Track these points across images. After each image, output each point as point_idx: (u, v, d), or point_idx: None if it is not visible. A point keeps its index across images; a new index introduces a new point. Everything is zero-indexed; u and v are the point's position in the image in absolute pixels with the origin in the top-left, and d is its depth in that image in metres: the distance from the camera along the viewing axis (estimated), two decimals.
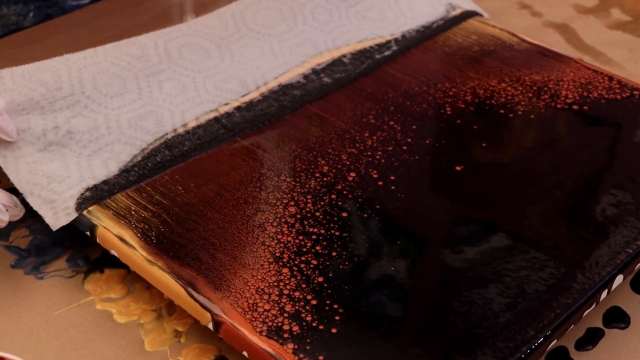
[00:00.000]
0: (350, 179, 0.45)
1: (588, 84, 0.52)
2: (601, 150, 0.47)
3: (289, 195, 0.43)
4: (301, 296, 0.38)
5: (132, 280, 0.42)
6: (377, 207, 0.43)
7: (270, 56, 0.52)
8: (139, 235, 0.41)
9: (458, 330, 0.37)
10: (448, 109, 0.50)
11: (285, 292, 0.38)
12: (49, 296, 0.41)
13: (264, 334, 0.36)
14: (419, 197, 0.44)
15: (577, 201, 0.44)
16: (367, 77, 0.52)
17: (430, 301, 0.39)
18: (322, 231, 0.41)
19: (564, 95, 0.51)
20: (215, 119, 0.48)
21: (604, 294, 0.39)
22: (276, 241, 0.41)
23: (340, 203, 0.43)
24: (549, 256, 0.40)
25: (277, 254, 0.40)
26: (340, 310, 0.37)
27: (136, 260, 0.40)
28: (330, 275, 0.39)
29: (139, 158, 0.45)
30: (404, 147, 0.47)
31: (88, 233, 0.42)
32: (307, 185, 0.44)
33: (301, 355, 0.35)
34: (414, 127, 0.48)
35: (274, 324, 0.37)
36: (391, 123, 0.49)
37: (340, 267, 0.40)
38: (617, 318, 0.41)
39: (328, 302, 0.38)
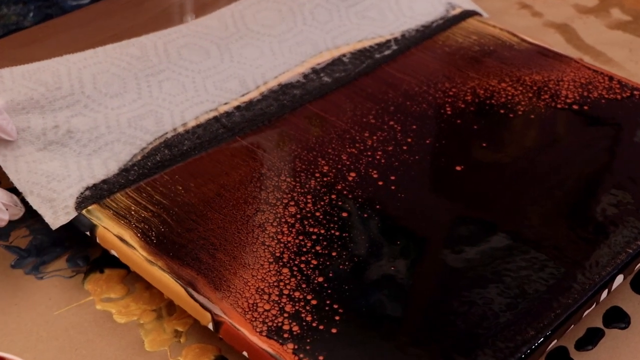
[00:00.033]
0: (350, 179, 0.45)
1: (588, 84, 0.52)
2: (601, 150, 0.47)
3: (289, 195, 0.43)
4: (301, 296, 0.38)
5: (132, 280, 0.42)
6: (377, 207, 0.43)
7: (269, 56, 0.52)
8: (139, 235, 0.41)
9: (458, 330, 0.37)
10: (448, 109, 0.50)
11: (285, 292, 0.38)
12: (49, 296, 0.41)
13: (264, 334, 0.36)
14: (419, 197, 0.44)
15: (578, 201, 0.44)
16: (367, 76, 0.52)
17: (430, 301, 0.39)
18: (322, 231, 0.41)
19: (564, 95, 0.51)
20: (215, 118, 0.48)
21: (604, 294, 0.39)
22: (276, 241, 0.41)
23: (340, 203, 0.43)
24: (549, 256, 0.40)
25: (277, 254, 0.40)
26: (340, 311, 0.37)
27: (136, 260, 0.40)
28: (330, 275, 0.39)
29: (139, 157, 0.45)
30: (404, 147, 0.47)
31: (88, 233, 0.42)
32: (307, 185, 0.44)
33: (301, 355, 0.35)
34: (414, 127, 0.48)
35: (274, 324, 0.37)
36: (391, 123, 0.49)
37: (340, 267, 0.40)
38: (617, 318, 0.41)
39: (328, 302, 0.38)
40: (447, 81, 0.52)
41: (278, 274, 0.39)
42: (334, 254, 0.40)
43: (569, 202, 0.44)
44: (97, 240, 0.41)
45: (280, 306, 0.37)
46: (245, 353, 0.37)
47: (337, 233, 0.41)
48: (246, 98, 0.50)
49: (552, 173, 0.45)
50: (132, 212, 0.42)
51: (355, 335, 0.37)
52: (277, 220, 0.42)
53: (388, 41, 0.55)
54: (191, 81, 0.50)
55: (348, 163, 0.46)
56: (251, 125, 0.48)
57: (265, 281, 0.39)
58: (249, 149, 0.46)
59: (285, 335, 0.36)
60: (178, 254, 0.40)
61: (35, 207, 0.42)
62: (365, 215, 0.42)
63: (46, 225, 0.43)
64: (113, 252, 0.41)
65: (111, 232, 0.41)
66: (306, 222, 0.42)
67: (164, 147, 0.46)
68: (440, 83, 0.52)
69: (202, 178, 0.44)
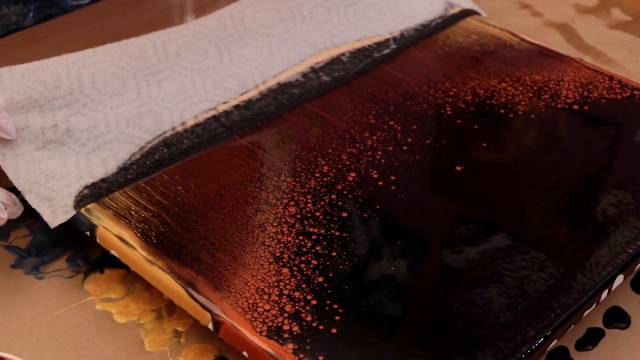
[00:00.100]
0: (350, 179, 0.45)
1: (588, 83, 0.52)
2: (602, 150, 0.47)
3: (289, 195, 0.43)
4: (301, 296, 0.38)
5: (132, 280, 0.42)
6: (377, 207, 0.43)
7: (268, 55, 0.52)
8: (139, 235, 0.41)
9: (458, 331, 0.37)
10: (448, 108, 0.50)
11: (285, 292, 0.38)
12: (48, 296, 0.41)
13: (264, 334, 0.36)
14: (419, 197, 0.44)
15: (578, 201, 0.44)
16: (366, 76, 0.52)
17: (430, 301, 0.39)
18: (322, 231, 0.41)
19: (564, 95, 0.51)
20: (214, 117, 0.48)
21: (605, 294, 0.39)
22: (276, 241, 0.41)
23: (340, 203, 0.43)
24: (549, 256, 0.40)
25: (277, 254, 0.40)
26: (341, 311, 0.37)
27: (136, 260, 0.40)
28: (331, 275, 0.39)
29: (138, 156, 0.45)
30: (404, 147, 0.47)
31: (88, 233, 0.42)
32: (307, 185, 0.44)
33: (301, 356, 0.35)
34: (414, 127, 0.48)
35: (274, 324, 0.37)
36: (391, 123, 0.49)
37: (341, 267, 0.40)
38: (617, 318, 0.41)
39: (328, 302, 0.38)
40: (447, 81, 0.52)
41: (278, 274, 0.39)
42: (334, 254, 0.40)
43: (569, 202, 0.44)
44: (97, 240, 0.41)
45: (280, 306, 0.37)
46: (245, 353, 0.37)
47: (337, 233, 0.41)
48: (245, 97, 0.50)
49: (552, 173, 0.45)
50: (132, 212, 0.42)
51: (355, 336, 0.37)
52: (277, 220, 0.42)
53: (387, 40, 0.55)
54: (190, 81, 0.50)
55: (348, 163, 0.46)
56: (250, 125, 0.48)
57: (265, 281, 0.39)
58: (249, 148, 0.46)
59: (285, 335, 0.36)
60: (178, 254, 0.40)
61: (34, 205, 0.42)
62: (366, 215, 0.42)
63: (46, 225, 0.43)
64: (113, 252, 0.41)
65: (111, 232, 0.41)
66: (306, 222, 0.42)
67: (163, 146, 0.46)
68: (440, 83, 0.52)
69: (202, 178, 0.44)
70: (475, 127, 0.48)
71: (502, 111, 0.50)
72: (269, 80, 0.51)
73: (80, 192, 0.43)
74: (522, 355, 0.36)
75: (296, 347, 0.36)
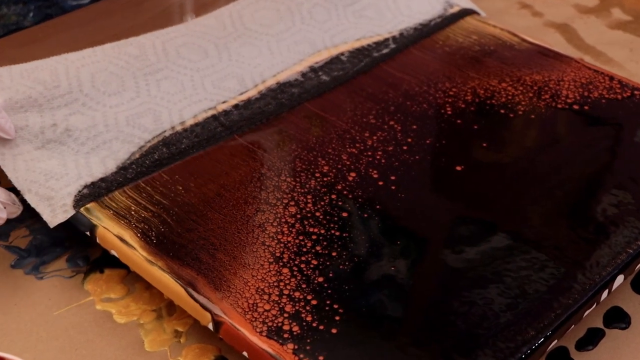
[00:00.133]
0: (350, 179, 0.45)
1: (589, 83, 0.52)
2: (602, 150, 0.47)
3: (289, 195, 0.43)
4: (301, 296, 0.38)
5: (132, 280, 0.42)
6: (378, 207, 0.43)
7: (268, 55, 0.52)
8: (139, 235, 0.41)
9: (458, 331, 0.37)
10: (448, 108, 0.50)
11: (286, 292, 0.38)
12: (48, 296, 0.41)
13: (264, 334, 0.36)
14: (419, 197, 0.44)
15: (578, 201, 0.44)
16: (365, 75, 0.52)
17: (430, 301, 0.39)
18: (322, 231, 0.41)
19: (564, 95, 0.51)
20: (213, 116, 0.48)
21: (605, 294, 0.39)
22: (276, 241, 0.41)
23: (340, 203, 0.43)
24: (549, 256, 0.40)
25: (277, 254, 0.40)
26: (341, 311, 0.37)
27: (136, 260, 0.40)
28: (331, 275, 0.39)
29: (137, 156, 0.45)
30: (405, 147, 0.47)
31: (88, 233, 0.42)
32: (307, 185, 0.44)
33: (301, 356, 0.35)
34: (415, 127, 0.48)
35: (274, 324, 0.37)
36: (391, 123, 0.49)
37: (341, 267, 0.39)
38: (617, 318, 0.41)
39: (328, 302, 0.38)
40: (447, 81, 0.52)
41: (278, 274, 0.39)
42: (334, 254, 0.40)
43: (570, 202, 0.44)
44: (97, 241, 0.41)
45: (281, 306, 0.37)
46: (245, 353, 0.37)
47: (337, 233, 0.41)
48: (244, 97, 0.50)
49: (552, 173, 0.45)
50: (132, 212, 0.42)
51: (355, 336, 0.37)
52: (277, 220, 0.42)
53: (386, 40, 0.55)
54: (189, 80, 0.50)
55: (348, 163, 0.46)
56: (249, 124, 0.48)
57: (265, 281, 0.39)
58: (249, 148, 0.46)
59: (285, 336, 0.36)
60: (178, 254, 0.40)
61: (33, 205, 0.42)
62: (366, 215, 0.42)
63: (46, 225, 0.43)
64: (113, 252, 0.41)
65: (111, 232, 0.41)
66: (306, 222, 0.42)
67: (162, 145, 0.46)
68: (440, 83, 0.52)
69: (202, 178, 0.44)
70: (476, 127, 0.48)
71: (502, 111, 0.50)
72: (268, 80, 0.51)
73: (80, 191, 0.43)
74: (522, 355, 0.36)
75: (296, 347, 0.36)
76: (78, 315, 0.40)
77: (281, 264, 0.39)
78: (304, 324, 0.37)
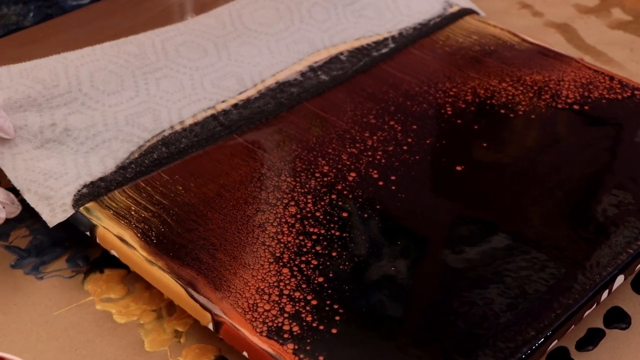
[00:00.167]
0: (350, 179, 0.45)
1: (589, 83, 0.52)
2: (602, 151, 0.47)
3: (289, 195, 0.43)
4: (301, 296, 0.38)
5: (132, 280, 0.42)
6: (378, 207, 0.43)
7: (267, 54, 0.52)
8: (139, 235, 0.41)
9: (458, 331, 0.37)
10: (449, 108, 0.50)
11: (286, 292, 0.38)
12: (48, 296, 0.41)
13: (264, 334, 0.36)
14: (419, 197, 0.44)
15: (578, 201, 0.44)
16: (365, 75, 0.52)
17: (430, 301, 0.39)
18: (323, 231, 0.41)
19: (564, 95, 0.51)
20: (213, 116, 0.48)
21: (605, 294, 0.39)
22: (276, 241, 0.41)
23: (340, 203, 0.43)
24: (549, 256, 0.40)
25: (277, 254, 0.40)
26: (341, 311, 0.37)
27: (136, 260, 0.40)
28: (331, 275, 0.39)
29: (136, 155, 0.45)
30: (405, 147, 0.47)
31: (88, 233, 0.42)
32: (307, 185, 0.44)
33: (301, 356, 0.35)
34: (415, 127, 0.48)
35: (274, 324, 0.37)
36: (392, 123, 0.48)
37: (341, 267, 0.39)
38: (617, 318, 0.41)
39: (328, 302, 0.38)
40: (447, 81, 0.52)
41: (278, 274, 0.39)
42: (334, 254, 0.40)
43: (570, 202, 0.44)
44: (97, 241, 0.41)
45: (281, 306, 0.37)
46: (245, 353, 0.37)
47: (337, 233, 0.41)
48: (244, 96, 0.50)
49: (552, 173, 0.45)
50: (132, 212, 0.42)
51: (355, 336, 0.37)
52: (277, 220, 0.42)
53: (385, 39, 0.55)
54: (189, 79, 0.50)
55: (348, 163, 0.46)
56: (249, 124, 0.48)
57: (266, 281, 0.39)
58: (249, 148, 0.46)
59: (286, 336, 0.36)
60: (178, 254, 0.40)
61: (32, 204, 0.42)
62: (366, 216, 0.42)
63: (46, 225, 0.42)
64: (113, 252, 0.41)
65: (111, 232, 0.41)
66: (306, 222, 0.42)
67: (162, 144, 0.46)
68: (440, 83, 0.52)
69: (202, 178, 0.44)
70: (476, 127, 0.48)
71: (502, 111, 0.50)
72: (267, 79, 0.51)
73: (79, 191, 0.43)
74: (522, 355, 0.35)
75: (296, 347, 0.36)
76: (78, 315, 0.40)
77: (281, 264, 0.39)
78: (304, 324, 0.37)
